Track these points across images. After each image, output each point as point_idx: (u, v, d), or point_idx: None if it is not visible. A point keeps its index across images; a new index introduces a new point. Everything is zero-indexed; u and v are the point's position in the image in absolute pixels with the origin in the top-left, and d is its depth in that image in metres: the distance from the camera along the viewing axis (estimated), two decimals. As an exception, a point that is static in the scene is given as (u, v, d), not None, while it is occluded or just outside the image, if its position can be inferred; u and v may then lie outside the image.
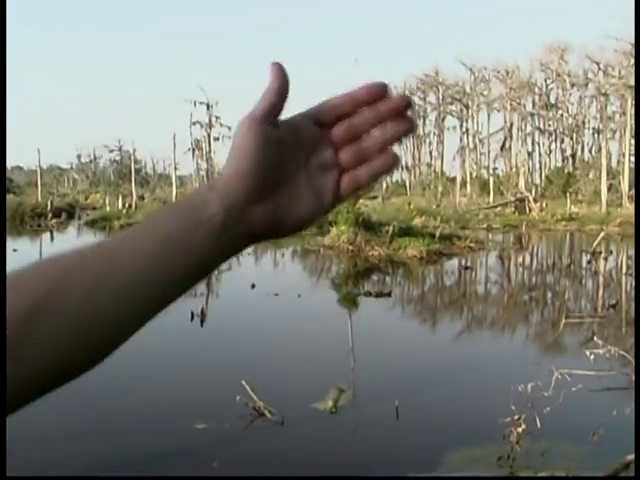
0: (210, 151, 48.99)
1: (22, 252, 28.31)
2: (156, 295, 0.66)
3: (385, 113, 0.73)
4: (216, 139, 50.70)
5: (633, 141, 52.20)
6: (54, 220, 44.56)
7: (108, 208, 49.82)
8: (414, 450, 7.42)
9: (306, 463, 7.01)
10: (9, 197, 53.56)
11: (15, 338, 0.59)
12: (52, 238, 36.91)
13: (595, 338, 8.74)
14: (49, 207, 46.85)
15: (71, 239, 37.05)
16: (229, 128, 52.79)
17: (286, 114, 0.72)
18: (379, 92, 0.73)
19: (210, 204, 0.66)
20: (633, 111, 50.20)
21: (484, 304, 17.91)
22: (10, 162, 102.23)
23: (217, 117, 50.33)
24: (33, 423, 7.80)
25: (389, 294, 17.42)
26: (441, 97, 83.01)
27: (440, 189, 57.21)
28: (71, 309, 0.62)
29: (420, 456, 7.21)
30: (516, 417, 6.81)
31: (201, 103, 49.53)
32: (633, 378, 7.66)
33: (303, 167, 0.72)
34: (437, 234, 27.04)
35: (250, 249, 30.93)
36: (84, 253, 0.65)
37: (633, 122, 50.75)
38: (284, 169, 0.70)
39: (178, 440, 7.48)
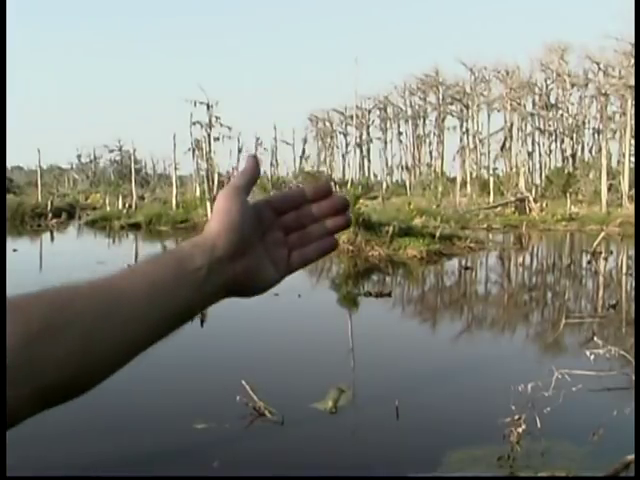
0: (210, 151, 48.83)
1: (22, 252, 28.36)
2: (147, 333, 0.73)
3: (327, 210, 0.87)
4: (216, 139, 50.57)
5: (633, 141, 52.17)
6: (54, 220, 44.56)
7: (108, 208, 49.78)
8: (414, 450, 7.42)
9: (306, 463, 7.01)
10: (9, 197, 53.51)
11: (15, 362, 0.63)
12: (52, 238, 36.92)
13: (595, 338, 8.74)
14: (49, 207, 46.83)
15: (71, 239, 37.07)
16: (229, 128, 52.81)
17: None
18: (324, 192, 0.87)
19: (195, 258, 0.76)
20: (633, 111, 50.18)
21: (484, 304, 17.91)
22: (10, 162, 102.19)
23: (217, 117, 50.19)
24: (31, 423, 7.79)
25: (389, 294, 17.42)
26: (441, 97, 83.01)
27: (440, 189, 57.08)
28: (70, 339, 0.67)
29: (420, 456, 7.21)
30: (516, 417, 6.81)
31: (201, 103, 49.37)
32: (633, 378, 7.66)
33: (261, 241, 0.84)
34: (437, 234, 27.04)
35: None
36: (82, 289, 0.71)
37: (633, 122, 50.71)
38: (252, 238, 0.82)
39: (178, 440, 7.48)
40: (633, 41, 47.16)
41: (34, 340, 0.65)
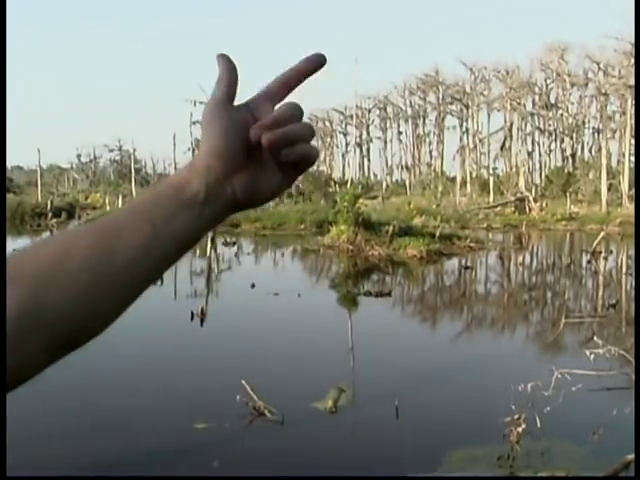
0: (210, 151, 48.88)
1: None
2: (151, 265, 0.73)
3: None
4: (216, 139, 50.65)
5: (633, 141, 52.16)
6: (54, 220, 44.55)
7: (108, 208, 49.77)
8: (414, 450, 7.42)
9: (306, 463, 7.01)
10: (9, 197, 53.54)
11: (26, 313, 0.65)
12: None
13: (595, 338, 8.74)
14: (49, 207, 46.86)
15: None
16: (229, 127, 52.73)
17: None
18: (319, 62, 0.83)
19: (192, 183, 0.74)
20: (633, 111, 50.16)
21: (484, 304, 17.90)
22: (10, 162, 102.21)
23: (217, 117, 50.27)
24: (33, 423, 7.81)
25: (389, 294, 17.41)
26: (441, 97, 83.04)
27: (440, 189, 57.15)
28: (78, 281, 0.68)
29: (420, 456, 7.21)
30: (516, 417, 6.81)
31: (201, 103, 49.33)
32: (633, 378, 7.65)
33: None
34: (437, 234, 27.06)
35: (250, 249, 30.99)
36: (82, 232, 0.73)
37: (633, 122, 50.69)
38: (251, 145, 0.77)
39: (178, 440, 7.48)
40: (633, 40, 47.15)
41: (43, 287, 0.66)
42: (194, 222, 0.75)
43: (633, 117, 50.83)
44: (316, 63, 0.83)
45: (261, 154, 0.77)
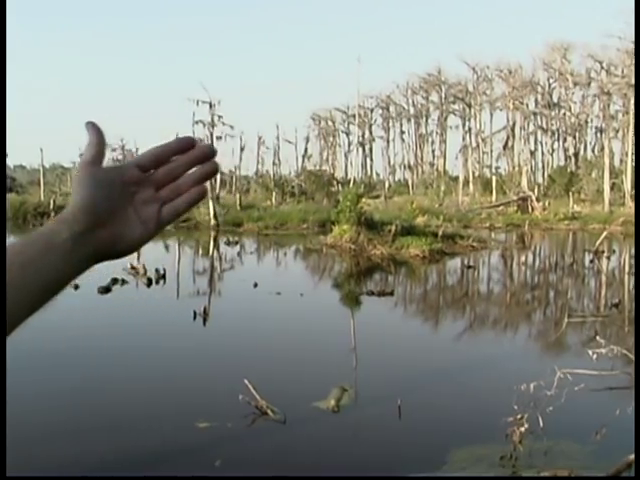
0: (212, 150, 48.79)
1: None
2: (25, 302, 0.82)
3: (195, 159, 0.93)
4: (219, 138, 50.54)
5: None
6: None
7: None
8: (417, 449, 7.41)
9: (308, 462, 7.01)
10: (12, 196, 53.63)
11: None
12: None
13: (597, 337, 8.73)
14: (52, 206, 46.85)
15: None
16: (232, 127, 52.91)
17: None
18: (188, 144, 0.92)
19: (61, 233, 0.84)
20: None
21: (486, 303, 17.90)
22: (13, 161, 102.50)
23: (219, 116, 50.16)
24: (38, 422, 7.82)
25: (391, 293, 17.41)
26: (444, 96, 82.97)
27: (442, 188, 57.19)
28: None
29: (423, 455, 7.20)
30: (518, 416, 6.81)
31: (203, 102, 49.38)
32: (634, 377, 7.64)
33: (130, 202, 0.90)
34: (439, 233, 27.06)
35: (252, 248, 30.97)
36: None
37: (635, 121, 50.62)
38: (116, 202, 0.88)
39: (181, 439, 7.48)
40: (634, 39, 47.12)
41: None
42: (61, 267, 0.84)
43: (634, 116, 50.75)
44: (186, 146, 0.92)
45: (125, 210, 0.89)
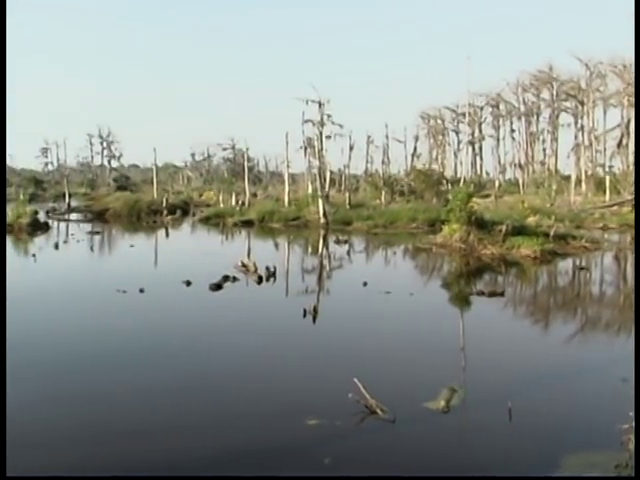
0: (322, 149, 49.11)
1: (138, 247, 29.31)
2: None
3: None
4: (328, 137, 50.87)
5: None
6: (169, 217, 45.72)
7: (222, 205, 50.78)
8: (528, 452, 7.30)
9: (416, 462, 7.01)
10: (126, 194, 55.26)
11: None
12: (167, 234, 37.83)
13: None
14: (164, 204, 48.09)
15: (185, 236, 37.91)
16: (341, 126, 53.13)
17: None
18: None
19: None
20: None
21: (599, 306, 17.48)
22: (127, 160, 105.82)
23: (329, 115, 50.49)
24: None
25: (502, 294, 17.20)
26: (555, 93, 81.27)
27: (554, 187, 56.04)
28: None
29: (534, 459, 7.09)
30: (633, 424, 6.65)
31: (313, 102, 49.77)
32: None
33: None
34: (551, 233, 26.59)
35: (362, 247, 31.08)
36: None
37: None
38: None
39: (291, 436, 7.57)
40: (634, 38, 45.13)
41: None
42: None
43: None
44: None
45: None
